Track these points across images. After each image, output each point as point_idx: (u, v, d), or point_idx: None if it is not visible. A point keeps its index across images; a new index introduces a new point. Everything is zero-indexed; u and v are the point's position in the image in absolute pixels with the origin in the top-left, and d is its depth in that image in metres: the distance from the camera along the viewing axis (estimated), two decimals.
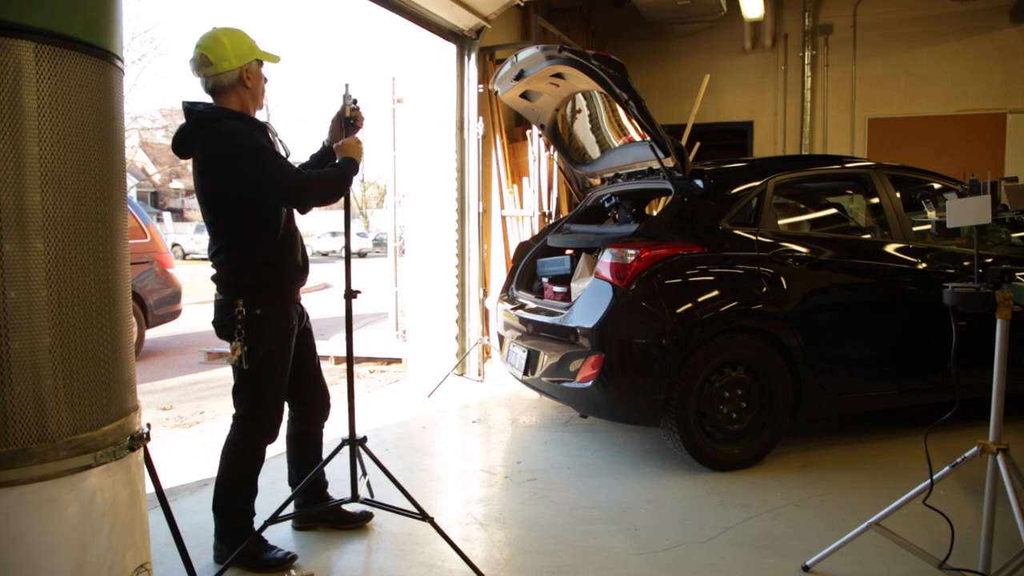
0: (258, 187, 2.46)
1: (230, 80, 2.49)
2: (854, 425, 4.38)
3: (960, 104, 7.87)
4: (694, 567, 2.67)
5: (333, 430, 4.42)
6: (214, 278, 2.62)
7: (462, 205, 6.07)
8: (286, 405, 2.82)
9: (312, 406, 2.94)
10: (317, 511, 2.97)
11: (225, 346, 2.60)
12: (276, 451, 4.08)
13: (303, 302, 2.86)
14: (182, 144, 2.55)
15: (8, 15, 1.54)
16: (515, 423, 4.64)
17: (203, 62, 2.47)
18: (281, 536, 2.91)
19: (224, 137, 2.43)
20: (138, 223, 7.64)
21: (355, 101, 2.73)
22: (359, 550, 2.86)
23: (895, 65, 8.05)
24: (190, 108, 2.52)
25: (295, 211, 2.69)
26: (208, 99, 2.58)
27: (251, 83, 2.54)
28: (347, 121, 2.73)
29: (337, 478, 3.36)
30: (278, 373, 2.65)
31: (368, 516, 3.08)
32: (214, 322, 2.64)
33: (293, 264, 2.67)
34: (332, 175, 2.57)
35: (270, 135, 2.65)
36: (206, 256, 2.70)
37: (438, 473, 3.77)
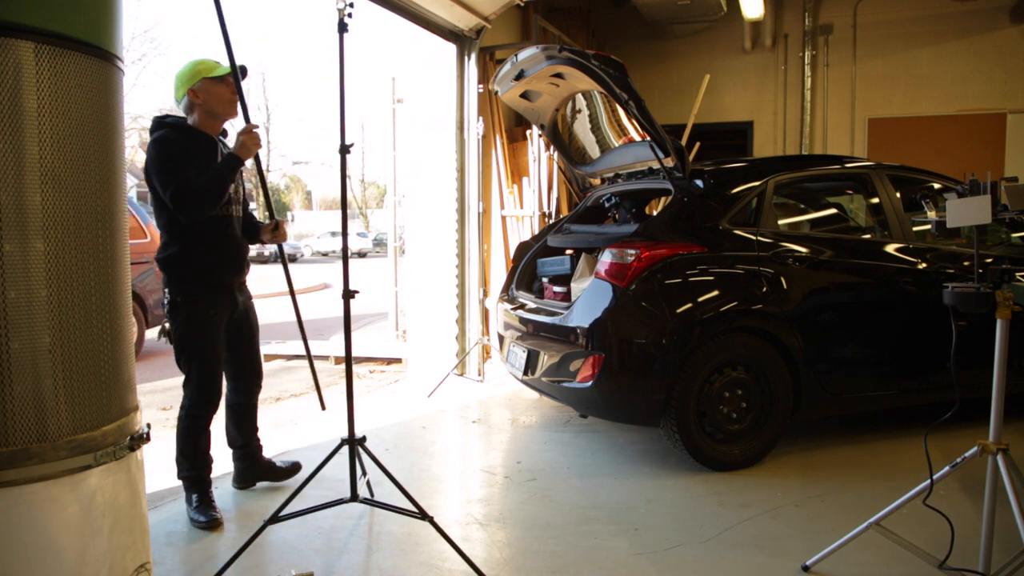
0: (161, 190, 2.85)
1: (186, 104, 2.98)
2: (854, 425, 4.38)
3: (960, 104, 7.87)
4: (694, 567, 2.67)
5: (333, 430, 4.44)
6: (159, 267, 3.05)
7: (462, 205, 6.07)
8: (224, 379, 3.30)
9: (246, 383, 3.41)
10: (252, 473, 3.49)
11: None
12: (274, 452, 4.09)
13: (244, 291, 3.30)
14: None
15: (8, 15, 1.54)
16: (515, 423, 4.64)
17: (175, 99, 3.03)
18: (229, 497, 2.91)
19: (150, 145, 2.89)
20: (138, 223, 7.65)
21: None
22: (359, 550, 2.86)
23: (895, 65, 8.05)
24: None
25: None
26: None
27: (200, 99, 2.96)
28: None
29: (337, 478, 3.36)
30: (200, 351, 3.09)
31: (297, 467, 3.54)
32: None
33: (218, 261, 3.08)
34: (205, 178, 2.87)
35: (216, 146, 3.04)
36: None
37: (438, 473, 3.77)
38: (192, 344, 3.07)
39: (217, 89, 2.95)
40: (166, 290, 3.03)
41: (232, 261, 3.15)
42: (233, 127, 3.13)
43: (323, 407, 3.50)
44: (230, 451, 3.50)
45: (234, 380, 3.39)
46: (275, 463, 3.56)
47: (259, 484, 3.56)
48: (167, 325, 3.05)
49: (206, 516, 3.06)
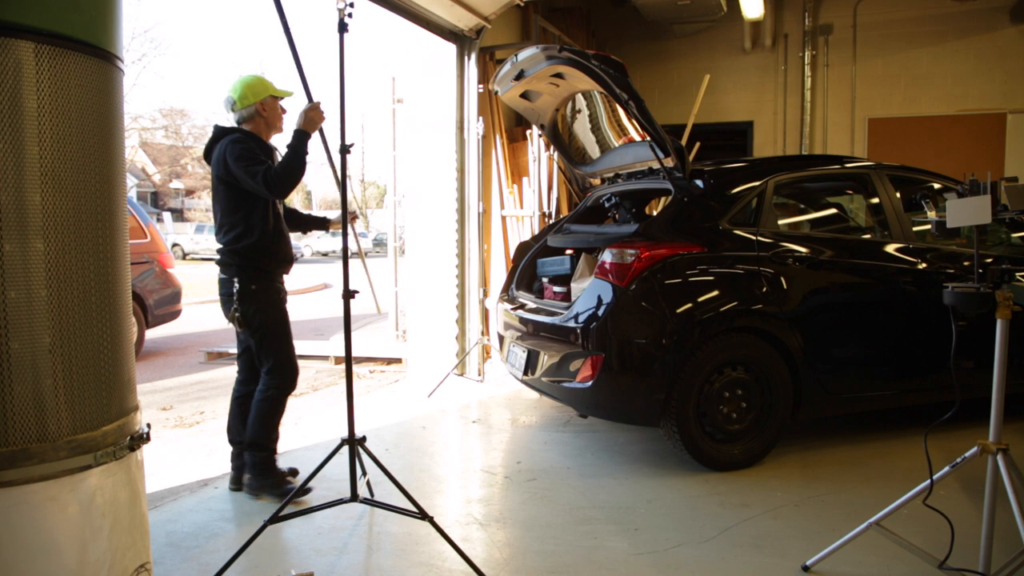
0: (247, 181, 3.14)
1: (250, 111, 3.30)
2: (854, 425, 4.38)
3: (960, 104, 7.87)
4: (694, 567, 2.67)
5: (333, 430, 4.45)
6: (222, 260, 3.28)
7: (462, 205, 6.07)
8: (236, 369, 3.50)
9: (257, 374, 3.46)
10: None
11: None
12: (278, 451, 4.08)
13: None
14: (207, 153, 3.35)
15: (8, 15, 1.54)
16: (515, 423, 4.64)
17: (231, 102, 3.32)
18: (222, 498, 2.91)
19: (229, 145, 3.18)
20: (138, 223, 7.64)
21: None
22: (359, 550, 2.86)
23: (895, 65, 8.05)
24: (216, 126, 3.36)
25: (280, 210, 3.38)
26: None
27: (265, 112, 3.32)
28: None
29: (337, 477, 3.36)
30: (283, 333, 3.35)
31: (294, 473, 3.52)
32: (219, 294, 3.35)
33: (282, 250, 3.36)
34: (285, 157, 3.15)
35: (273, 152, 3.38)
36: (206, 256, 3.00)
37: (438, 473, 3.77)
38: (276, 327, 3.33)
39: (277, 107, 3.36)
40: (237, 279, 3.23)
41: (289, 251, 3.46)
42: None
43: (379, 311, 4.15)
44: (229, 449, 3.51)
45: (249, 371, 3.48)
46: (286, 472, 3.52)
47: None
48: (238, 312, 3.25)
49: (289, 481, 3.37)
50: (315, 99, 3.19)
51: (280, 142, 3.38)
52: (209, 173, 3.42)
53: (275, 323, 3.31)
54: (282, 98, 3.37)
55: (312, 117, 3.15)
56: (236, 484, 3.45)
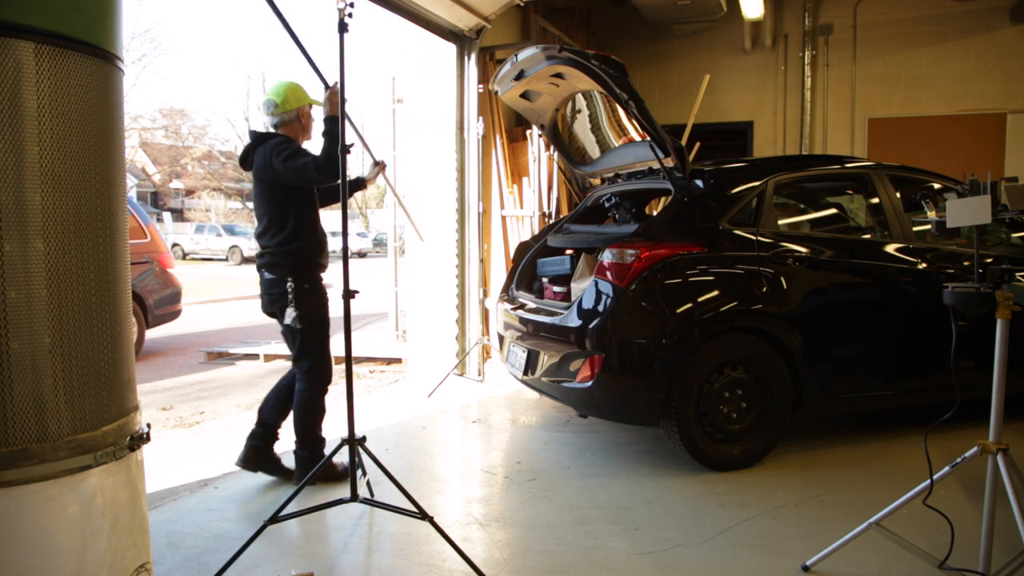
0: (299, 175, 3.28)
1: (290, 116, 3.45)
2: (854, 425, 4.38)
3: (960, 104, 7.87)
4: (694, 567, 2.67)
5: (333, 430, 4.43)
6: (271, 261, 3.37)
7: (462, 205, 6.07)
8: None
9: None
10: (259, 459, 3.53)
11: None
12: (276, 451, 4.09)
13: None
14: (245, 159, 3.49)
15: (8, 15, 1.54)
16: (515, 423, 4.64)
17: (272, 104, 3.44)
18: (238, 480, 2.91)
19: (274, 146, 3.33)
20: (138, 223, 7.64)
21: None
22: (359, 550, 2.86)
23: (895, 65, 8.05)
24: (253, 132, 3.50)
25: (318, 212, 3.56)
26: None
27: (303, 119, 3.50)
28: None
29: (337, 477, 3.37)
30: (326, 331, 3.48)
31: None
32: (263, 293, 3.44)
33: (325, 250, 3.53)
34: (325, 144, 3.23)
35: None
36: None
37: (438, 473, 3.77)
38: (321, 325, 3.46)
39: (311, 114, 3.55)
40: (291, 279, 3.32)
41: (327, 251, 3.60)
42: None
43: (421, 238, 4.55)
44: (248, 430, 3.61)
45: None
46: (281, 461, 3.60)
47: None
48: (297, 311, 3.33)
49: (338, 471, 3.49)
50: (330, 83, 3.25)
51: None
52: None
53: (322, 323, 3.46)
54: (313, 106, 3.54)
55: (334, 101, 3.22)
56: (244, 462, 3.51)
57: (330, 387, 3.56)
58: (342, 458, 3.36)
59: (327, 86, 3.25)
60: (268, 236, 3.39)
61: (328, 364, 3.50)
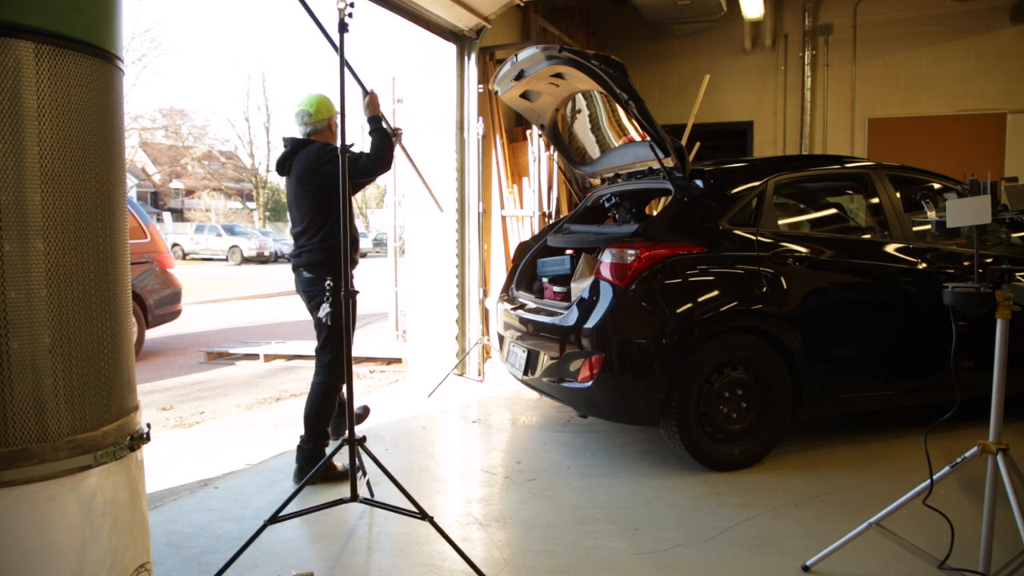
0: (366, 170, 3.57)
1: (322, 126, 3.74)
2: (854, 425, 4.38)
3: (960, 104, 7.87)
4: (694, 567, 2.67)
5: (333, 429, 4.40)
6: (310, 260, 3.60)
7: (462, 205, 6.07)
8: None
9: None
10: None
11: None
12: (274, 452, 4.09)
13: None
14: (282, 165, 3.72)
15: (8, 15, 1.54)
16: (515, 423, 4.64)
17: (306, 115, 3.72)
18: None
19: (317, 152, 3.59)
20: (138, 223, 7.64)
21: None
22: (359, 550, 2.86)
23: (895, 65, 8.05)
24: (291, 140, 3.73)
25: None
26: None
27: (333, 128, 3.77)
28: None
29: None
30: (346, 329, 3.58)
31: (366, 412, 4.16)
32: (301, 290, 3.68)
33: (357, 247, 3.80)
34: (372, 141, 3.58)
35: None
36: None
37: (438, 473, 3.77)
38: (349, 326, 3.56)
39: (337, 122, 3.63)
40: (330, 279, 3.56)
41: (359, 247, 3.89)
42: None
43: (440, 209, 4.89)
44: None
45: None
46: (359, 413, 4.16)
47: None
48: (332, 308, 3.55)
49: (340, 469, 3.56)
50: (368, 88, 3.60)
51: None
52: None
53: (351, 321, 3.60)
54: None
55: (372, 103, 3.60)
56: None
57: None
58: (342, 459, 3.41)
59: (365, 91, 3.56)
60: (308, 235, 3.61)
61: (345, 360, 3.55)
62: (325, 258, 3.60)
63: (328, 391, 3.65)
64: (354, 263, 3.68)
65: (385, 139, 3.56)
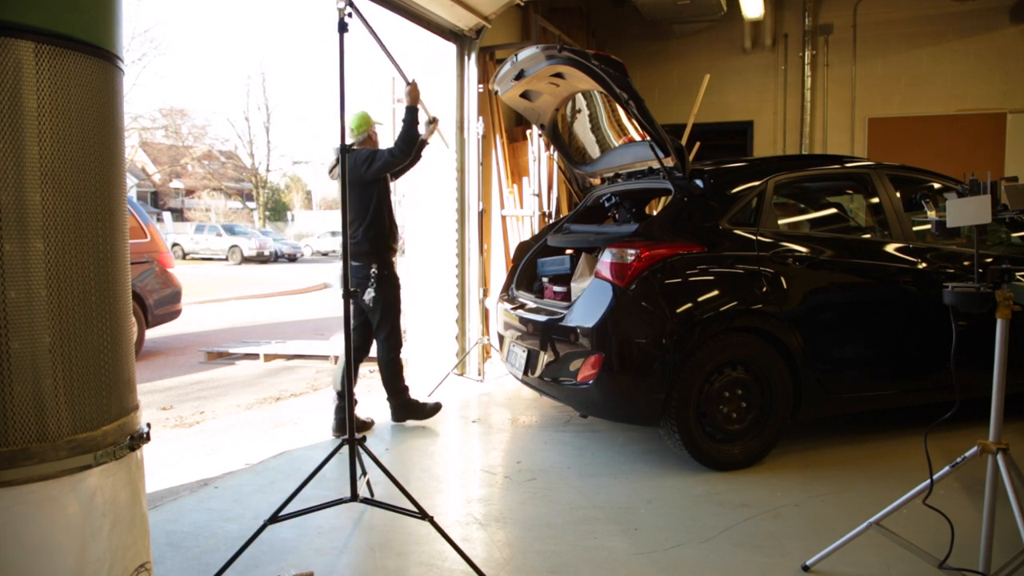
0: (386, 166, 4.23)
1: (363, 137, 4.45)
2: (854, 425, 4.38)
3: (960, 104, 7.87)
4: (694, 567, 2.67)
5: (332, 429, 4.42)
6: (355, 251, 4.20)
7: (462, 205, 6.07)
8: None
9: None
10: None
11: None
12: (274, 452, 4.09)
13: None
14: (332, 170, 4.32)
15: (8, 15, 1.54)
16: (515, 423, 4.64)
17: (350, 129, 4.35)
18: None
19: (361, 154, 4.29)
20: (138, 223, 7.64)
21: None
22: (359, 550, 2.86)
23: (895, 65, 8.05)
24: (339, 148, 4.18)
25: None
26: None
27: (372, 137, 4.50)
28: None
29: (336, 477, 3.37)
30: (400, 309, 4.47)
31: (437, 407, 4.67)
32: (350, 278, 4.04)
33: (396, 236, 4.46)
34: (402, 128, 4.21)
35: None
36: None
37: (438, 473, 3.77)
38: (396, 303, 4.40)
39: (376, 131, 4.56)
40: (375, 265, 4.25)
41: (399, 236, 4.59)
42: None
43: (447, 145, 5.45)
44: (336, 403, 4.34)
45: (361, 339, 4.40)
46: (366, 421, 4.52)
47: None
48: (376, 292, 4.23)
49: (428, 405, 4.60)
50: (410, 79, 4.25)
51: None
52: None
53: (396, 300, 4.39)
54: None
55: (413, 93, 4.23)
56: (338, 431, 4.28)
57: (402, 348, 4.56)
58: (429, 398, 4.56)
59: (407, 82, 4.25)
60: (354, 229, 4.25)
61: (399, 331, 4.47)
62: (369, 248, 4.25)
63: (391, 360, 4.42)
64: (394, 251, 4.37)
65: (408, 130, 4.15)
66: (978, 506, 2.52)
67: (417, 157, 4.57)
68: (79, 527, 1.67)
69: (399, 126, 4.24)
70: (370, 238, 4.22)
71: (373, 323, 4.33)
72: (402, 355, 4.51)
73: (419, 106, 4.31)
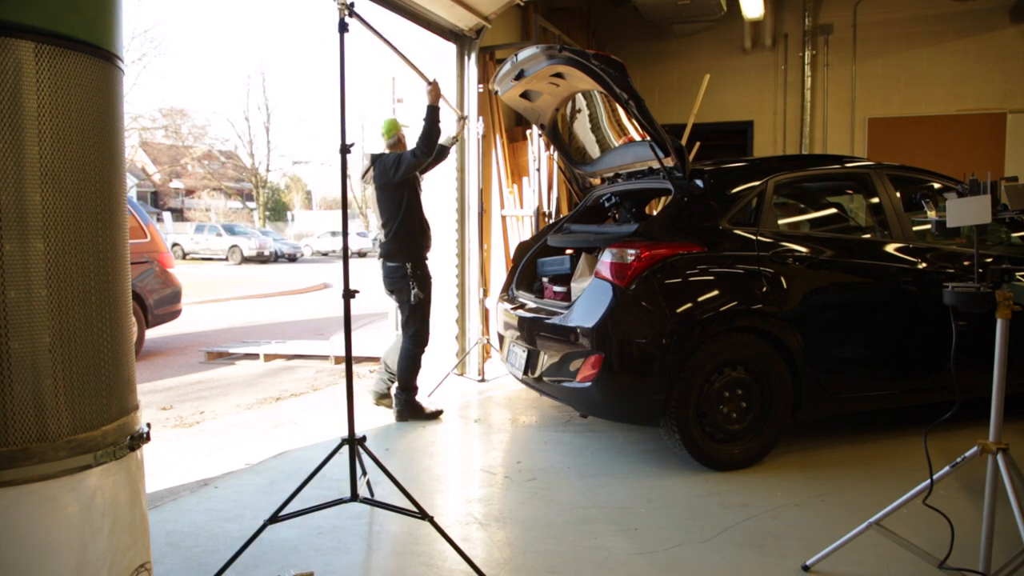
0: (411, 167, 4.46)
1: (393, 141, 4.75)
2: (854, 425, 4.38)
3: (960, 104, 7.87)
4: (694, 567, 2.67)
5: (333, 429, 4.44)
6: (388, 251, 4.54)
7: (462, 205, 6.07)
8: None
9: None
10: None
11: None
12: (274, 452, 4.09)
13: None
14: (364, 174, 4.72)
15: (8, 15, 1.54)
16: (515, 423, 4.64)
17: (381, 135, 4.78)
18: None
19: (390, 159, 4.55)
20: (138, 223, 7.64)
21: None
22: (359, 550, 2.86)
23: (895, 65, 8.05)
24: (370, 155, 4.72)
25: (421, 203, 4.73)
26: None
27: (402, 141, 4.78)
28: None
29: (336, 477, 3.37)
30: (430, 306, 4.70)
31: (438, 413, 4.79)
32: (386, 277, 4.63)
33: (428, 235, 4.70)
34: (423, 127, 4.42)
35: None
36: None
37: (438, 473, 3.77)
38: (427, 301, 4.63)
39: (404, 133, 4.84)
40: (410, 264, 4.49)
41: (431, 235, 4.71)
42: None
43: (460, 115, 5.49)
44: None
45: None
46: (436, 411, 4.75)
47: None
48: (418, 292, 4.52)
49: (429, 410, 4.71)
50: (431, 79, 4.43)
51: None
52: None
53: (427, 299, 4.61)
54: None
55: (433, 92, 4.42)
56: (379, 399, 4.88)
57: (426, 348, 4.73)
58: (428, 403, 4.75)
59: (428, 82, 4.42)
60: (386, 230, 4.51)
61: (428, 329, 4.65)
62: (398, 248, 4.50)
63: (413, 355, 4.61)
64: (427, 249, 4.63)
65: (429, 129, 4.36)
66: (978, 506, 2.53)
67: (443, 154, 4.78)
68: (79, 527, 1.67)
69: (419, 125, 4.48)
70: (401, 238, 4.46)
71: (403, 317, 4.57)
72: (424, 353, 4.69)
73: (445, 104, 4.54)
